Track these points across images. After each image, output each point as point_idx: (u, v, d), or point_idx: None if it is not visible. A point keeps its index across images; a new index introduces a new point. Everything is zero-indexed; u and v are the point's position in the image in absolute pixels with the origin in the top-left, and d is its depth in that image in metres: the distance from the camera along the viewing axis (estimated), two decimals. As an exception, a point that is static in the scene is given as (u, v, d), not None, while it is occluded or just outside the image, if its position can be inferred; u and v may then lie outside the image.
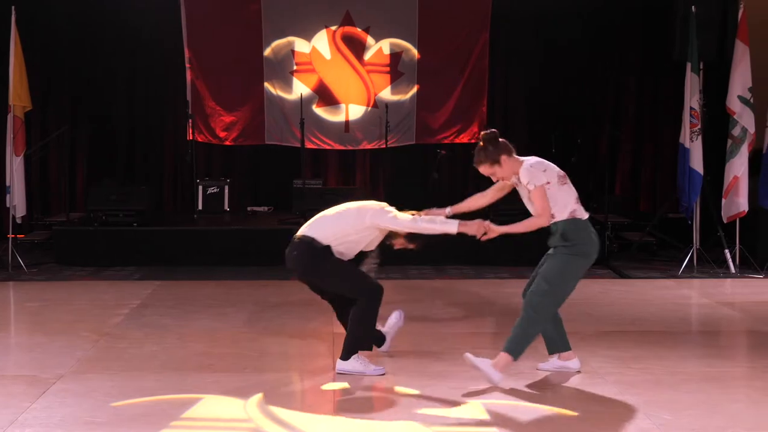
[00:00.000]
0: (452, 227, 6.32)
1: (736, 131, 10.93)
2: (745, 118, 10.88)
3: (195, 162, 13.46)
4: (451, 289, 10.01)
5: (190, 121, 13.39)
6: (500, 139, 6.32)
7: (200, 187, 13.45)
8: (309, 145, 13.83)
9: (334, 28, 14.13)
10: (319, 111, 14.16)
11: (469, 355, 6.29)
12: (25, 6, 11.99)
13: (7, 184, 11.37)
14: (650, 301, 9.35)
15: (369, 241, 6.52)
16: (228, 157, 14.45)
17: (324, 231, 6.45)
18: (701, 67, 11.12)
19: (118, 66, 14.06)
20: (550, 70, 13.89)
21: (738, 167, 10.91)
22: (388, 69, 14.21)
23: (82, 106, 14.03)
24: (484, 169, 6.38)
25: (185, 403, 5.79)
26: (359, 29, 14.15)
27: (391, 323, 7.01)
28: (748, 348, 7.79)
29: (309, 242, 6.41)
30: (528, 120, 14.30)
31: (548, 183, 6.24)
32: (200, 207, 13.38)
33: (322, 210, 6.65)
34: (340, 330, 6.58)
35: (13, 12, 11.27)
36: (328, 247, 6.39)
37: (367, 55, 14.19)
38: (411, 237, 6.56)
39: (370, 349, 6.68)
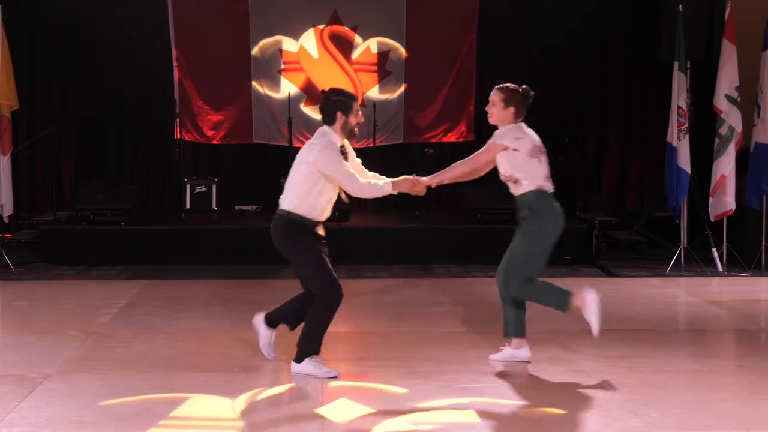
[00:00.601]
0: (387, 187, 6.55)
1: (723, 130, 10.95)
2: (732, 117, 10.91)
3: (183, 161, 13.43)
4: (439, 288, 10.01)
5: (178, 120, 13.34)
6: (525, 101, 6.67)
7: (188, 186, 13.42)
8: (297, 144, 13.74)
9: (321, 27, 14.13)
10: (307, 110, 14.15)
11: (493, 356, 6.74)
12: (12, 4, 11.95)
13: (-6, 183, 11.36)
14: (638, 300, 9.37)
15: (332, 187, 6.41)
16: (216, 156, 14.43)
17: (289, 195, 6.39)
18: (689, 66, 11.14)
19: (106, 65, 14.02)
20: (537, 70, 13.89)
21: (725, 166, 10.94)
22: (375, 68, 14.23)
23: (70, 105, 13.98)
24: (493, 97, 6.68)
25: (173, 403, 5.78)
26: (347, 28, 14.16)
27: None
28: (736, 346, 7.82)
29: (284, 215, 6.39)
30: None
31: (513, 149, 6.50)
32: (188, 206, 13.35)
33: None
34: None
35: (0, 10, 11.23)
36: (302, 223, 6.33)
37: (355, 54, 14.20)
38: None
39: (318, 353, 6.50)
